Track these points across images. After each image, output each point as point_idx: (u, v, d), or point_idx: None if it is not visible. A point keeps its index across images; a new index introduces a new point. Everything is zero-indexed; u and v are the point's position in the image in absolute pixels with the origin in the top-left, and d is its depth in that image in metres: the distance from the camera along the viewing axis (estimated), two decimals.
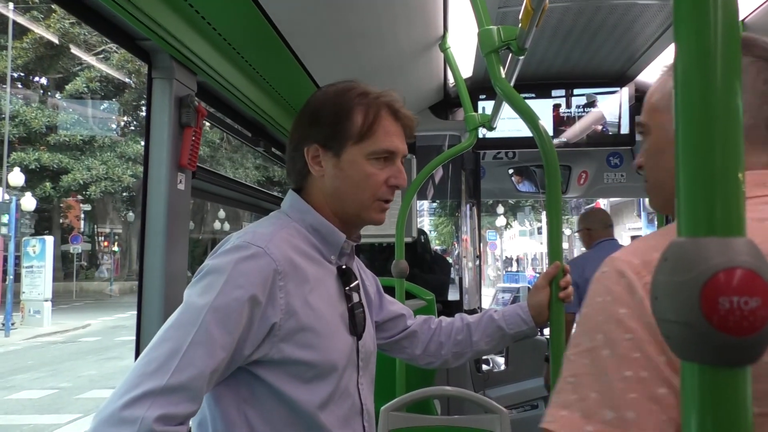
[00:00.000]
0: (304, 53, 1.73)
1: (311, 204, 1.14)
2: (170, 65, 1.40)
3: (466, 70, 2.61)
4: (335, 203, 1.14)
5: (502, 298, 4.40)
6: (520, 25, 1.24)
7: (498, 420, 1.76)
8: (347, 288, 1.15)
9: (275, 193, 2.50)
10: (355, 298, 1.16)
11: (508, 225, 29.06)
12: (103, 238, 28.19)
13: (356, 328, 1.13)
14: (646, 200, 3.89)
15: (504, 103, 1.82)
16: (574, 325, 0.74)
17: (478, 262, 3.24)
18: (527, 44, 1.29)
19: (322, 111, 1.12)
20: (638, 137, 3.03)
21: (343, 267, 1.16)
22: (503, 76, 1.34)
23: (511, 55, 1.40)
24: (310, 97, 1.17)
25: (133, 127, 21.77)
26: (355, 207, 1.13)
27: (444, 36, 2.08)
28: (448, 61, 2.16)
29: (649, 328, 0.64)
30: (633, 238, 19.22)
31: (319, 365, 1.04)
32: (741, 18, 1.91)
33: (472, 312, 3.11)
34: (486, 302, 4.36)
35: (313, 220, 1.13)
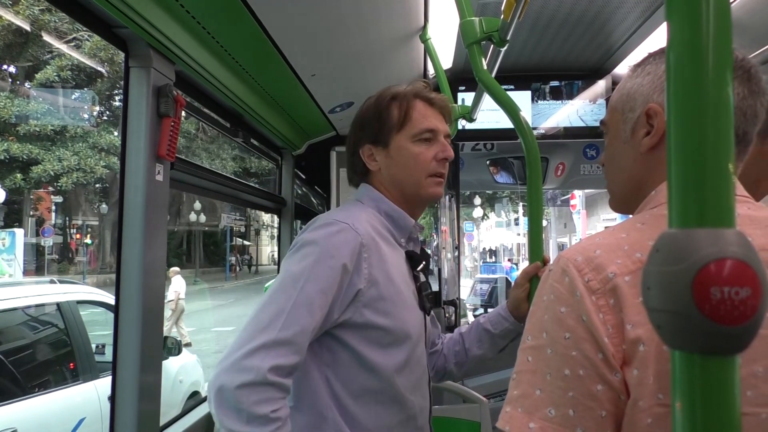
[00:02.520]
0: (284, 42, 1.71)
1: (381, 194, 1.28)
2: (148, 53, 1.37)
3: (446, 61, 2.61)
4: (395, 189, 1.29)
5: (480, 289, 4.43)
6: (502, 16, 1.25)
7: (478, 409, 1.78)
8: (415, 271, 1.28)
9: (254, 184, 2.48)
10: (422, 278, 1.30)
11: (485, 216, 29.24)
12: (75, 230, 27.68)
13: (425, 305, 1.27)
14: None
15: (485, 94, 1.83)
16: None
17: (457, 254, 3.26)
18: (509, 36, 1.30)
19: (366, 117, 1.30)
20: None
21: (411, 251, 1.29)
22: (485, 67, 1.34)
23: (492, 46, 1.40)
24: (356, 112, 1.35)
25: (106, 117, 21.34)
26: (413, 187, 1.27)
27: (425, 27, 2.08)
28: (428, 51, 2.16)
29: (586, 326, 0.66)
30: (607, 228, 19.51)
31: (395, 332, 1.16)
32: None
33: (451, 303, 3.13)
34: (464, 294, 4.39)
35: (386, 206, 1.28)
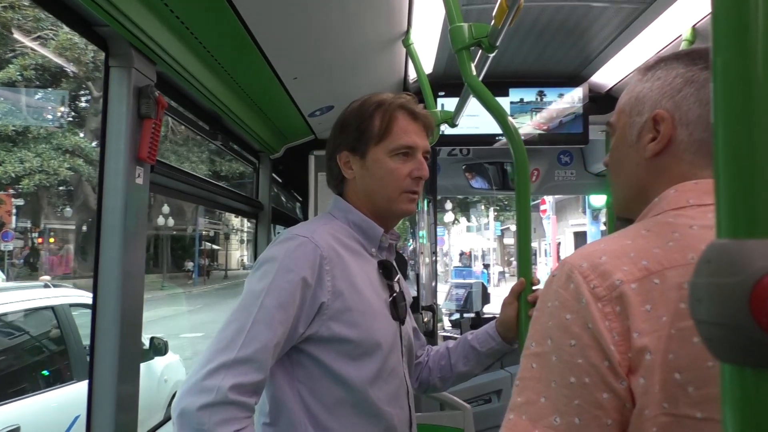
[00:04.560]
0: (267, 44, 1.68)
1: (350, 205, 1.28)
2: (129, 53, 1.34)
3: (426, 66, 2.61)
4: (368, 200, 1.28)
5: (456, 294, 4.44)
6: (492, 22, 1.25)
7: (462, 416, 1.77)
8: (389, 281, 1.27)
9: (232, 188, 2.44)
10: (397, 288, 1.29)
11: (456, 221, 29.45)
12: (37, 234, 26.92)
13: (398, 314, 1.25)
14: (591, 198, 4.00)
15: (469, 100, 1.83)
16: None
17: (434, 258, 3.26)
18: (498, 42, 1.30)
19: (347, 121, 1.28)
20: (592, 136, 3.11)
21: (384, 260, 1.28)
22: (474, 72, 1.34)
23: (480, 51, 1.40)
24: (340, 114, 1.32)
25: (71, 118, 20.82)
26: (385, 201, 1.26)
27: (407, 32, 2.07)
28: (411, 56, 2.15)
29: (592, 333, 0.66)
30: (576, 234, 19.79)
31: (364, 343, 1.15)
32: (692, 24, 1.97)
33: (429, 308, 3.12)
34: (440, 298, 4.40)
35: (354, 217, 1.27)
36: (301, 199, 3.10)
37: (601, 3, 2.01)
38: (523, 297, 1.29)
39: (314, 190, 2.94)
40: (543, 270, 22.47)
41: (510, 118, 1.33)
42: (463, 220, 31.07)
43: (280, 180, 3.09)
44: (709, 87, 0.75)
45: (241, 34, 1.56)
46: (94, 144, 19.91)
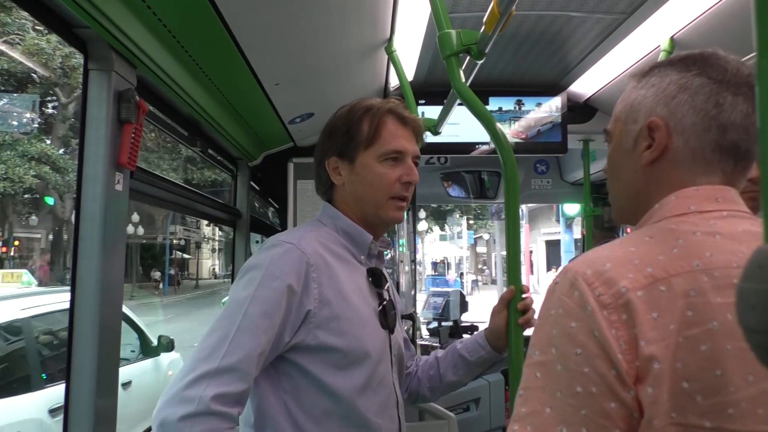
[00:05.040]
0: (250, 49, 1.66)
1: (339, 211, 1.26)
2: (109, 56, 1.30)
3: (407, 74, 2.61)
4: (357, 207, 1.26)
5: (434, 302, 4.43)
6: (483, 29, 1.24)
7: (447, 425, 1.75)
8: (378, 289, 1.25)
9: (209, 196, 2.39)
10: (386, 296, 1.26)
11: (429, 230, 29.56)
12: (1, 243, 26.18)
13: (388, 322, 1.23)
14: (565, 206, 3.99)
15: (454, 107, 1.83)
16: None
17: (414, 266, 3.24)
18: (488, 49, 1.29)
19: (335, 127, 1.27)
20: (575, 145, 3.13)
21: (373, 268, 1.26)
22: (463, 79, 1.33)
23: (469, 58, 1.39)
24: (328, 120, 1.31)
25: (37, 124, 20.32)
26: (373, 207, 1.24)
27: (390, 38, 2.06)
28: (394, 63, 2.14)
29: (599, 341, 0.65)
30: (548, 242, 20.03)
31: (352, 352, 1.13)
32: (670, 34, 2.01)
33: (408, 317, 3.10)
34: (419, 307, 4.39)
35: (342, 223, 1.25)
36: (279, 207, 3.06)
37: (580, 13, 2.04)
38: (512, 305, 1.28)
39: (293, 199, 2.90)
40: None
41: (498, 125, 1.33)
42: (436, 228, 31.21)
43: (257, 188, 3.05)
44: (703, 93, 0.75)
45: (224, 38, 1.53)
46: (61, 151, 19.46)
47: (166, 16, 1.34)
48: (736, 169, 0.76)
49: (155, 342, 5.18)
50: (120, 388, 3.04)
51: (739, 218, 0.73)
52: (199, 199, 2.11)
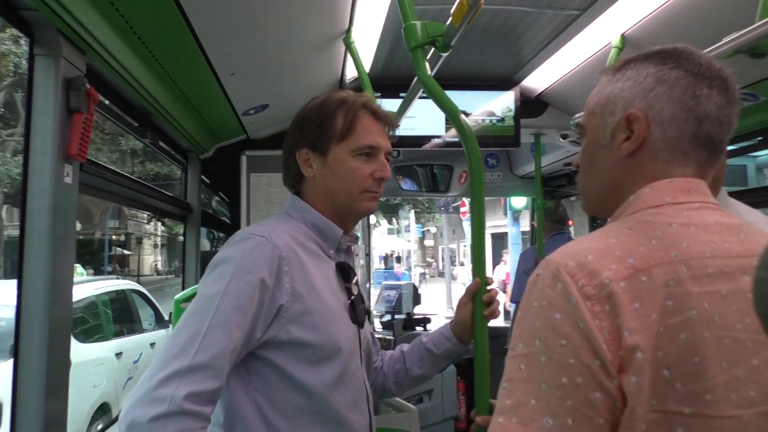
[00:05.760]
0: (206, 37, 1.60)
1: (309, 204, 1.23)
2: (57, 41, 1.22)
3: (365, 66, 2.58)
4: (328, 200, 1.23)
5: (388, 295, 4.43)
6: (450, 20, 1.23)
7: (408, 417, 1.76)
8: (347, 283, 1.23)
9: (161, 189, 2.31)
10: (355, 290, 1.24)
11: (377, 223, 29.61)
12: None
13: (357, 317, 1.21)
14: (512, 199, 4.08)
15: (414, 101, 1.82)
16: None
17: (369, 260, 3.24)
18: (454, 41, 1.29)
19: (308, 119, 1.23)
20: (559, 140, 3.18)
21: (342, 263, 1.24)
22: (429, 71, 1.33)
23: (433, 50, 1.39)
24: (298, 111, 1.27)
25: None
26: (346, 200, 1.22)
27: (349, 30, 2.04)
28: (352, 55, 2.12)
29: (583, 332, 0.65)
30: (494, 235, 20.37)
31: (324, 347, 1.11)
32: (621, 32, 2.06)
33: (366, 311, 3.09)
34: (372, 301, 4.38)
35: (312, 217, 1.22)
36: (231, 201, 2.98)
37: (535, 9, 2.07)
38: (478, 297, 1.28)
39: (246, 192, 2.83)
40: (465, 271, 22.89)
41: (463, 117, 1.32)
42: (383, 222, 31.30)
43: (208, 181, 2.96)
44: (680, 85, 0.77)
45: (179, 25, 1.47)
46: None
47: (119, 1, 1.28)
48: (709, 161, 0.78)
49: (166, 317, 6.26)
50: (149, 346, 5.85)
51: (710, 210, 0.75)
52: (150, 193, 2.03)
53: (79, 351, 4.59)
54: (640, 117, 0.77)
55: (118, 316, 5.86)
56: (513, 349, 0.70)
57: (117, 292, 6.07)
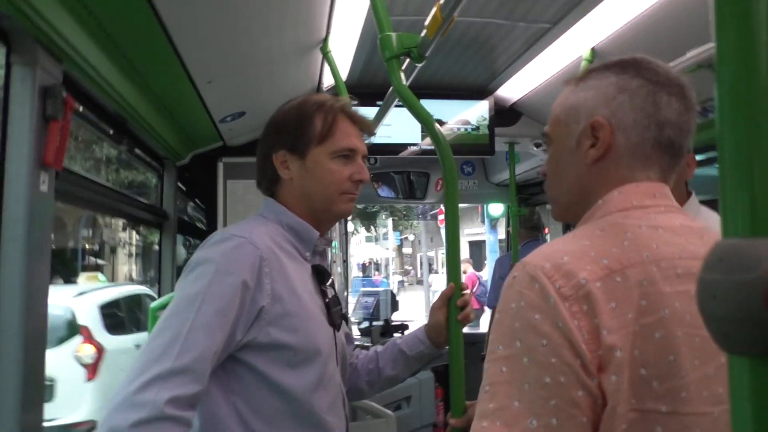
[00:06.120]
0: (184, 44, 1.61)
1: (285, 207, 1.23)
2: (33, 49, 1.22)
3: (341, 75, 2.61)
4: (305, 202, 1.23)
5: (365, 302, 4.45)
6: (424, 32, 1.27)
7: (386, 423, 1.77)
8: (322, 285, 1.23)
9: (136, 197, 2.30)
10: (331, 293, 1.24)
11: (355, 231, 29.57)
12: None
13: (333, 320, 1.22)
14: (490, 207, 4.09)
15: (390, 109, 1.85)
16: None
17: (346, 267, 3.25)
18: (428, 52, 1.32)
19: (286, 121, 1.23)
20: (534, 149, 3.23)
21: (318, 265, 1.24)
22: (404, 81, 1.36)
23: (408, 60, 1.42)
24: (274, 113, 1.27)
25: None
26: (324, 202, 1.23)
27: (326, 39, 2.06)
28: (329, 64, 2.14)
29: (563, 332, 0.66)
30: (471, 243, 20.50)
31: (304, 349, 1.11)
32: (591, 45, 2.12)
33: (343, 317, 3.10)
34: (350, 308, 4.39)
35: (288, 219, 1.22)
36: (207, 208, 2.98)
37: (508, 21, 2.12)
38: (452, 302, 1.31)
39: (223, 199, 2.83)
40: (442, 279, 22.92)
41: (437, 126, 1.36)
42: (361, 230, 31.28)
43: (184, 188, 2.95)
44: (641, 93, 0.80)
45: (156, 33, 1.48)
46: None
47: (96, 8, 1.29)
48: (671, 165, 0.81)
49: None
50: None
51: (674, 213, 0.79)
52: (126, 201, 2.03)
53: (109, 341, 5.48)
54: (605, 124, 0.80)
55: (135, 314, 6.58)
56: (493, 353, 0.70)
57: (133, 294, 7.07)
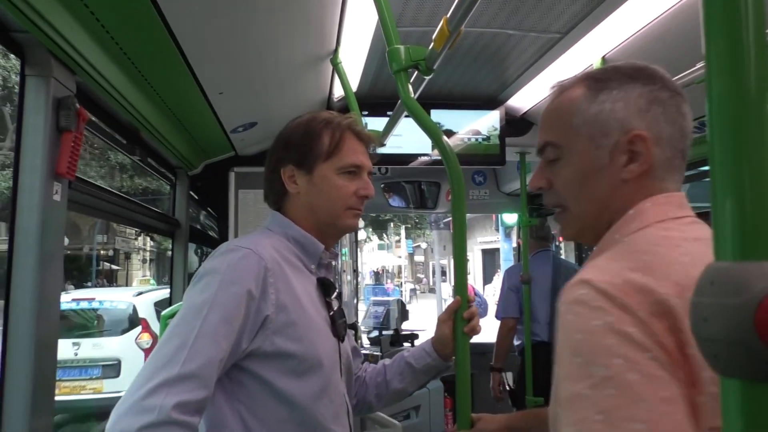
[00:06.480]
0: (195, 57, 1.63)
1: (291, 220, 1.26)
2: (48, 62, 1.25)
3: (352, 85, 2.63)
4: (311, 216, 1.25)
5: (375, 311, 4.45)
6: (432, 45, 1.27)
7: None
8: (327, 298, 1.24)
9: (148, 206, 2.32)
10: (335, 305, 1.26)
11: (368, 239, 29.59)
12: None
13: (337, 331, 1.23)
14: (505, 215, 4.11)
15: (400, 120, 1.86)
16: (555, 353, 0.68)
17: (356, 276, 3.26)
18: (436, 65, 1.33)
19: (294, 136, 1.26)
20: (513, 157, 3.22)
21: (323, 278, 1.26)
22: (412, 94, 1.36)
23: (417, 73, 1.43)
24: (282, 129, 1.30)
25: None
26: (330, 217, 1.25)
27: (336, 50, 2.08)
28: (339, 75, 2.16)
29: (662, 347, 0.62)
30: (484, 251, 20.45)
31: (308, 358, 1.12)
32: (602, 54, 2.12)
33: (351, 326, 3.11)
34: (360, 316, 4.39)
35: (294, 232, 1.24)
36: (219, 217, 3.00)
37: (518, 32, 2.12)
38: (458, 314, 1.31)
39: (234, 208, 2.85)
40: (448, 288, 22.76)
41: (445, 138, 1.36)
42: (374, 237, 31.28)
43: (197, 197, 2.98)
44: (672, 105, 0.78)
45: (168, 45, 1.50)
46: None
47: (108, 22, 1.31)
48: (682, 172, 0.81)
49: None
50: None
51: (699, 224, 0.77)
52: (138, 209, 2.05)
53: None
54: (647, 138, 0.77)
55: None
56: (587, 378, 0.63)
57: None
